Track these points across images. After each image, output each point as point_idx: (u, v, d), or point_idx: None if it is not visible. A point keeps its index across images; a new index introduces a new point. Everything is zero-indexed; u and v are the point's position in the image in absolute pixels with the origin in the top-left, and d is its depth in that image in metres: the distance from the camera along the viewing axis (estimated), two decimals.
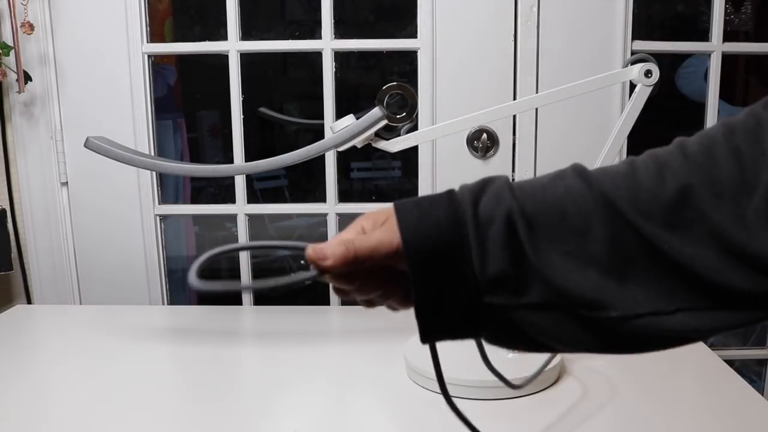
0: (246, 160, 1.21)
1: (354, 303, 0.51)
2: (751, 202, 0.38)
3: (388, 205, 0.48)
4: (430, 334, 0.47)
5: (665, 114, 1.53)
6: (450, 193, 0.47)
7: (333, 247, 0.46)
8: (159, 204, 1.25)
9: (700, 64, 1.50)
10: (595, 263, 0.42)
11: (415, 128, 0.90)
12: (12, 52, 1.14)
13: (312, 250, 0.47)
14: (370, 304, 0.51)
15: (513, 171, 1.18)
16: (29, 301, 1.28)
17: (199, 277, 0.48)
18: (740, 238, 0.38)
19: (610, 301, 0.41)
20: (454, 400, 0.50)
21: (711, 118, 1.19)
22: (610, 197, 0.42)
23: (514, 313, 0.44)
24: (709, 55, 1.18)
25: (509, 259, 0.43)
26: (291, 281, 0.47)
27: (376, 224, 0.49)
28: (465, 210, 0.44)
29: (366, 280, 0.48)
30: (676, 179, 0.41)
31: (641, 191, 0.41)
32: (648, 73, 0.80)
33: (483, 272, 0.43)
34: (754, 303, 0.39)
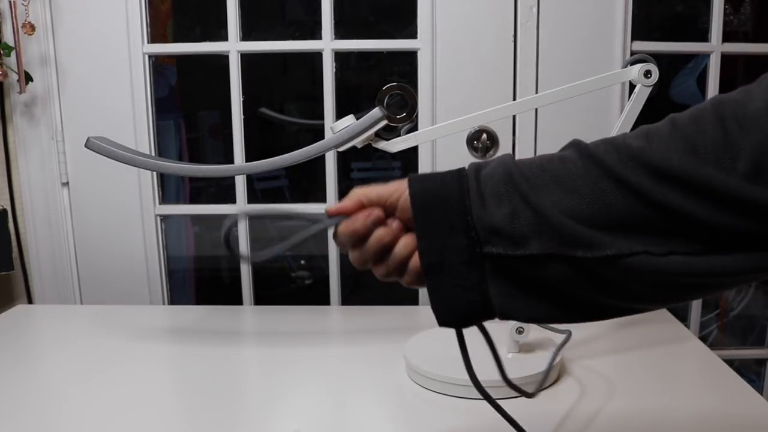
0: (246, 161, 1.22)
1: (370, 273, 0.53)
2: (736, 164, 0.40)
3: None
4: (438, 296, 0.48)
5: (664, 115, 1.53)
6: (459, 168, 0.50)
7: (347, 198, 0.52)
8: (159, 204, 1.25)
9: (690, 75, 1.51)
10: (588, 218, 0.44)
11: (415, 128, 0.90)
12: (13, 53, 1.14)
13: (327, 208, 0.53)
14: (386, 275, 0.53)
15: None
16: (30, 301, 1.28)
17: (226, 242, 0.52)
18: (727, 191, 0.40)
19: (605, 243, 0.43)
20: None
21: None
22: (600, 158, 0.45)
23: (515, 267, 0.46)
24: (708, 55, 1.18)
25: (508, 212, 0.45)
26: (308, 234, 0.53)
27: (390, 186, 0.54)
28: (468, 169, 0.49)
29: (379, 245, 0.51)
30: (662, 143, 0.43)
31: (631, 150, 0.43)
32: (647, 74, 0.80)
33: (482, 220, 0.46)
34: (747, 245, 0.41)
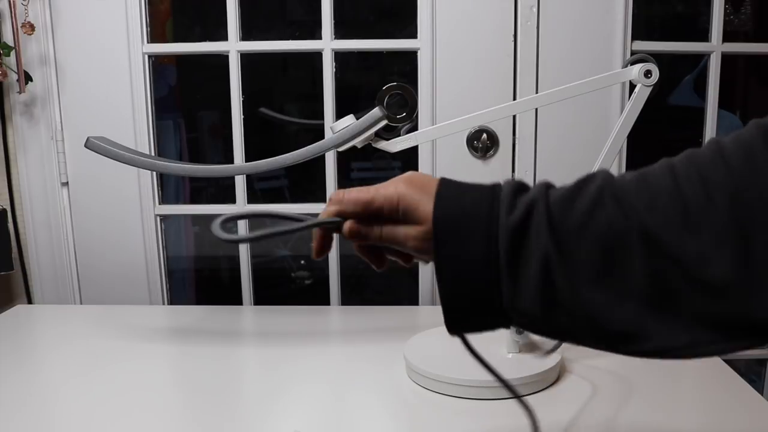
0: (246, 160, 1.22)
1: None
2: None
3: (426, 176, 0.53)
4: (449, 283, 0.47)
5: (664, 113, 1.53)
6: (491, 197, 0.47)
7: (352, 190, 0.52)
8: (159, 204, 1.25)
9: (686, 85, 1.51)
10: (635, 296, 0.41)
11: (415, 128, 0.90)
12: (13, 53, 1.14)
13: (334, 197, 0.53)
14: (379, 261, 0.54)
15: (513, 171, 1.18)
16: (30, 301, 1.28)
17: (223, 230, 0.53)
18: None
19: (648, 334, 0.41)
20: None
21: (711, 119, 1.19)
22: (651, 231, 0.40)
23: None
24: (709, 55, 1.18)
25: (542, 302, 0.43)
26: (314, 223, 0.53)
27: (410, 183, 0.52)
28: (501, 248, 0.44)
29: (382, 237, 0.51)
30: (720, 192, 0.39)
31: (688, 215, 0.40)
32: (648, 74, 0.80)
33: (514, 305, 0.44)
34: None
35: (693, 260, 0.39)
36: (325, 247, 0.55)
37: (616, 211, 0.42)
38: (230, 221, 0.55)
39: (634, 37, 1.16)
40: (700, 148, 0.44)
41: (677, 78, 1.55)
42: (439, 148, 1.20)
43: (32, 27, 1.14)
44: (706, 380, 0.86)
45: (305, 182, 2.36)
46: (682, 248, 0.40)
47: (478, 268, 0.45)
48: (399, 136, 0.84)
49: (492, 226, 0.45)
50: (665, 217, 0.40)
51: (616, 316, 0.41)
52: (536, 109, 1.17)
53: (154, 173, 1.24)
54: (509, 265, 0.44)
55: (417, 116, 1.03)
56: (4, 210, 1.22)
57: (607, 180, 0.44)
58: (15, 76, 1.15)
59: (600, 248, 0.42)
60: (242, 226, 1.26)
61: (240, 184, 1.24)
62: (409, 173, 0.53)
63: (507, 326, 0.47)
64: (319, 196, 1.25)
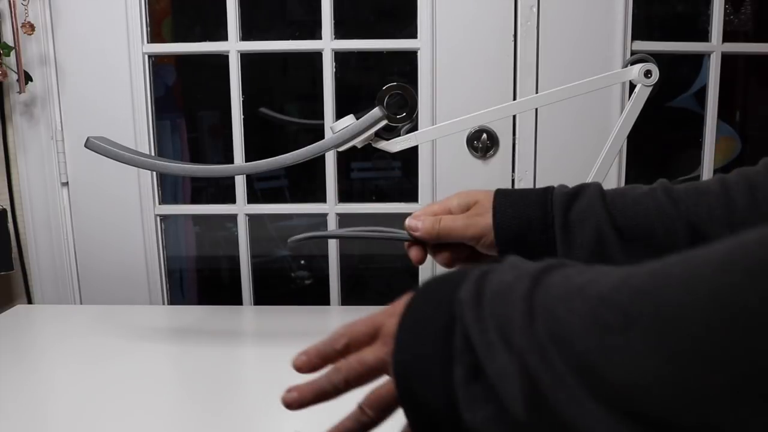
0: (246, 161, 1.22)
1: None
2: None
3: (482, 192, 0.58)
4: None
5: (662, 121, 1.53)
6: (545, 194, 0.51)
7: (424, 220, 0.58)
8: (159, 204, 1.25)
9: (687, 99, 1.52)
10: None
11: (415, 128, 0.90)
12: (12, 53, 1.14)
13: (408, 220, 0.60)
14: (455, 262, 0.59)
15: (513, 171, 1.18)
16: (30, 301, 1.28)
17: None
18: None
19: None
20: None
21: (711, 119, 1.19)
22: (695, 220, 0.43)
23: None
24: (709, 55, 1.18)
25: (593, 262, 0.45)
26: (389, 236, 0.62)
27: (463, 204, 0.58)
28: (555, 214, 0.49)
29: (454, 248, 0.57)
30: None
31: (733, 211, 0.43)
32: (648, 74, 0.80)
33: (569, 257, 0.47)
34: None
35: None
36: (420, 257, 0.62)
37: (667, 201, 0.46)
38: (308, 239, 0.63)
39: (635, 37, 1.16)
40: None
41: (677, 79, 1.56)
42: (439, 148, 1.20)
43: (32, 27, 1.14)
44: None
45: (305, 182, 2.36)
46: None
47: (534, 229, 0.50)
48: (399, 135, 0.84)
49: (547, 196, 0.51)
50: (710, 214, 0.43)
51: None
52: (536, 109, 1.17)
53: (154, 173, 1.24)
54: (564, 226, 0.49)
55: (417, 116, 1.03)
56: (4, 210, 1.22)
57: (663, 183, 0.49)
58: (15, 76, 1.15)
59: (646, 229, 0.46)
60: (242, 230, 1.25)
61: (240, 185, 1.24)
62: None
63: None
64: (319, 196, 1.25)
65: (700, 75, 1.22)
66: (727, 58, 1.18)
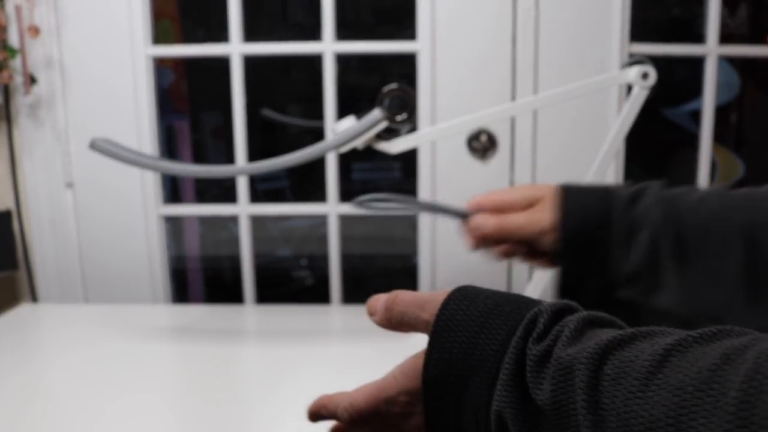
0: (248, 162, 1.23)
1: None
2: None
3: (546, 187, 0.58)
4: None
5: (660, 127, 1.54)
6: (608, 194, 0.53)
7: (487, 219, 0.58)
8: (163, 204, 1.27)
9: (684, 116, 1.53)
10: (730, 281, 0.45)
11: (414, 129, 0.92)
12: (18, 56, 1.16)
13: (473, 222, 0.60)
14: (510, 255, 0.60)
15: (512, 172, 1.19)
16: (35, 300, 1.29)
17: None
18: None
19: (735, 318, 0.43)
20: None
21: (708, 120, 1.20)
22: (751, 225, 0.45)
23: (639, 316, 0.48)
24: (704, 57, 1.19)
25: (648, 262, 0.47)
26: (450, 210, 0.64)
27: (528, 198, 0.58)
28: (619, 215, 0.50)
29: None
30: None
31: None
32: (645, 76, 0.81)
33: (621, 268, 0.49)
34: None
35: None
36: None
37: (724, 202, 0.48)
38: (374, 201, 0.64)
39: (632, 40, 1.17)
40: None
41: (675, 81, 1.57)
42: (439, 149, 1.21)
43: (37, 30, 1.16)
44: None
45: (306, 183, 2.37)
46: None
47: (595, 228, 0.51)
48: (399, 137, 0.85)
49: (610, 196, 0.53)
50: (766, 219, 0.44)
51: (709, 296, 0.45)
52: (535, 111, 1.18)
53: (158, 174, 1.25)
54: (624, 228, 0.50)
55: (417, 117, 1.04)
56: (10, 211, 1.23)
57: (719, 188, 0.50)
58: (21, 79, 1.17)
59: (703, 230, 0.47)
60: (243, 230, 1.27)
61: (242, 185, 1.25)
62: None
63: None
64: (320, 196, 1.27)
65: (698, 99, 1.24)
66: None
